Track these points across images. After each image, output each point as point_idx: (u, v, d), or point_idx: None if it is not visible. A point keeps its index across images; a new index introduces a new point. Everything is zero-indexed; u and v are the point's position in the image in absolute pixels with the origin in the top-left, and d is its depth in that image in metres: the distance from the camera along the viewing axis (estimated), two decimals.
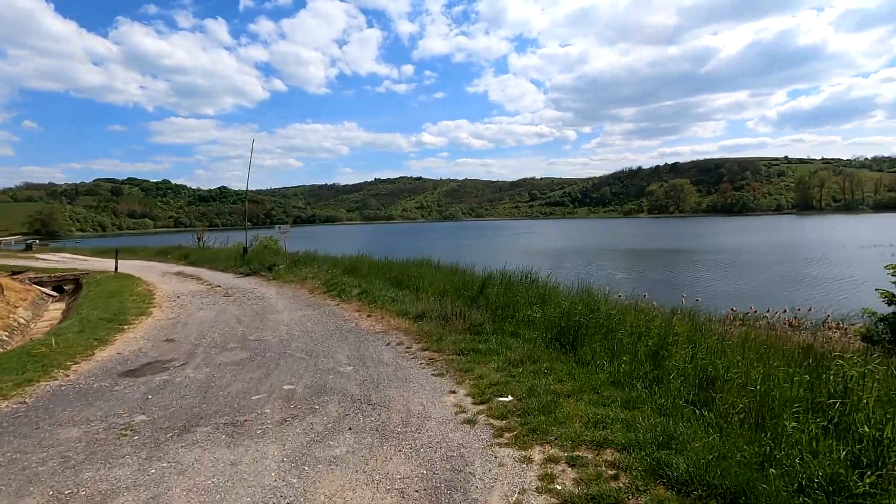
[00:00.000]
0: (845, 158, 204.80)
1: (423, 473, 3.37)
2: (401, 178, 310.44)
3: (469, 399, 4.75)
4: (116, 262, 20.01)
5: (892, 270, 7.27)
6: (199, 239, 34.50)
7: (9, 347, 9.40)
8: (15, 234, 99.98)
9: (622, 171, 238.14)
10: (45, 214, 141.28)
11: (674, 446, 3.45)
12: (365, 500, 3.08)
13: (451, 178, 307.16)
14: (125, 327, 9.17)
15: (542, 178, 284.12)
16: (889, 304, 7.47)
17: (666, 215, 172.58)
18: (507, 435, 3.88)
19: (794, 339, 7.25)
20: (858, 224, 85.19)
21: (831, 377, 4.12)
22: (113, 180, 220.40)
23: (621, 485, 3.12)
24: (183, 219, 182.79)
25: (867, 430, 3.19)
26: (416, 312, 8.80)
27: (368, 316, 9.30)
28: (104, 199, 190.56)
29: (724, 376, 4.67)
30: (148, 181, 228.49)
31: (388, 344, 7.12)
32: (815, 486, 2.88)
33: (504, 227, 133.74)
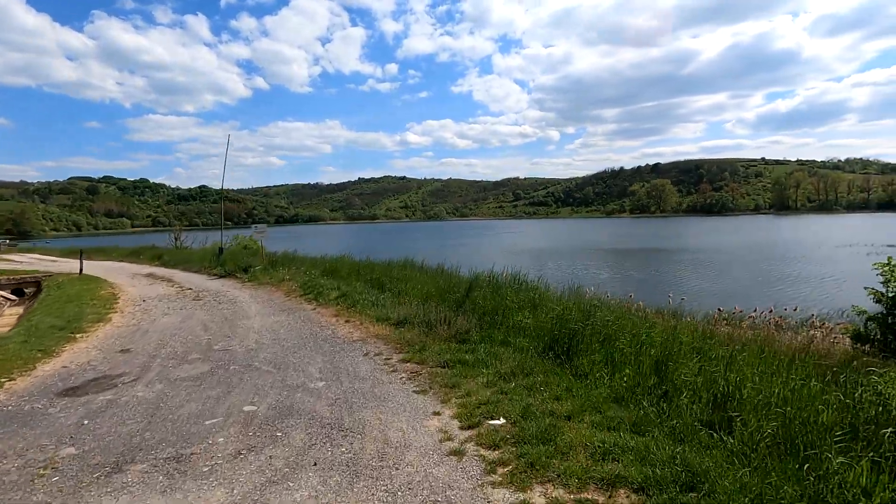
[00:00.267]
0: (819, 160, 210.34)
1: None
2: (385, 177, 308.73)
3: (455, 422, 4.15)
4: (81, 264, 18.91)
5: (880, 269, 6.96)
6: (176, 239, 33.36)
7: None
8: None
9: (605, 172, 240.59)
10: (16, 214, 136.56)
11: (700, 486, 2.90)
12: None
13: (436, 177, 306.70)
14: (78, 336, 8.35)
15: (525, 178, 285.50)
16: (878, 303, 7.22)
17: (647, 215, 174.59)
18: (500, 471, 3.29)
19: (789, 342, 6.83)
20: (833, 224, 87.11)
21: (864, 396, 3.65)
22: (89, 179, 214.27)
23: None
24: (161, 218, 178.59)
25: None
26: (397, 318, 8.18)
27: (346, 322, 8.65)
28: (79, 197, 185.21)
29: (739, 393, 4.17)
30: (125, 180, 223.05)
31: (366, 354, 6.48)
32: None
33: (488, 226, 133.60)
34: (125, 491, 3.16)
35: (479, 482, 3.17)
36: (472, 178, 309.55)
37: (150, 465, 3.51)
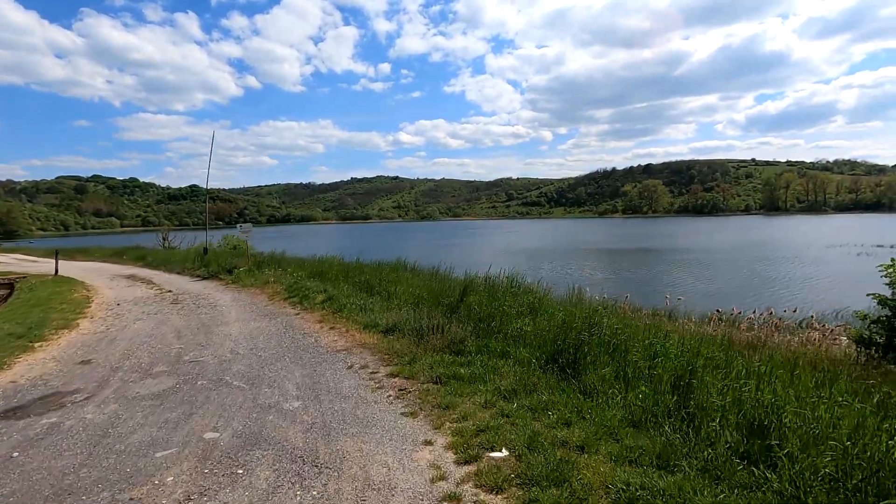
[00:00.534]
0: (809, 161, 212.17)
1: None
2: (378, 177, 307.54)
3: (450, 455, 3.55)
4: (56, 265, 18.08)
5: (885, 271, 6.52)
6: (164, 239, 32.53)
7: None
8: None
9: (597, 172, 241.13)
10: (2, 213, 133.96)
11: None
12: None
13: (429, 177, 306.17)
14: (37, 345, 7.65)
15: (518, 179, 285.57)
16: (882, 307, 6.82)
17: (640, 216, 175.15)
18: None
19: (814, 352, 6.32)
20: (822, 224, 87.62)
21: None
22: (77, 178, 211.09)
23: None
24: (151, 218, 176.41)
25: None
26: (386, 325, 7.56)
27: (331, 328, 8.01)
28: (67, 197, 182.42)
29: (778, 418, 3.61)
30: (114, 179, 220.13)
31: (351, 367, 5.86)
32: None
33: (482, 227, 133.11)
34: None
35: None
36: (465, 179, 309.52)
37: None
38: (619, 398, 4.49)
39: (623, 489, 2.91)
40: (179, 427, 4.23)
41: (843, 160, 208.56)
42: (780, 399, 3.86)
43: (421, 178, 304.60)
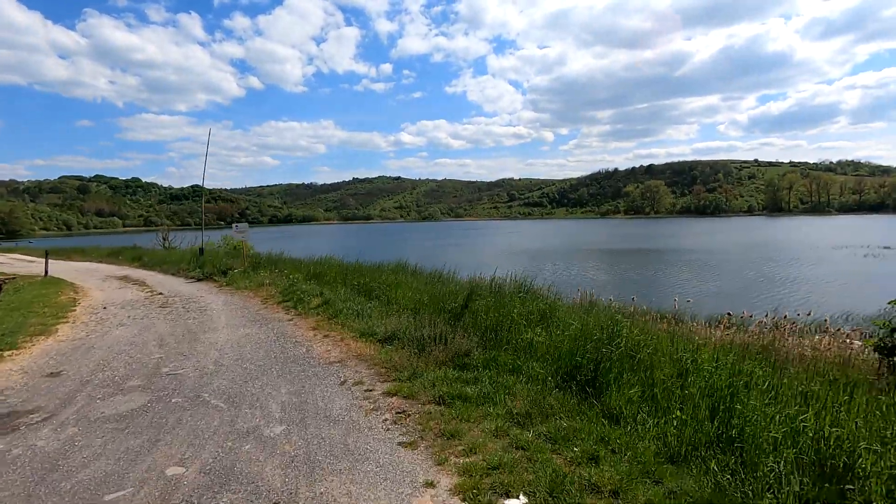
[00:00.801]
0: (812, 162, 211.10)
1: None
2: (379, 177, 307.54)
3: (456, 502, 2.94)
4: (46, 265, 17.53)
5: None
6: (164, 239, 32.07)
7: None
8: None
9: (599, 173, 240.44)
10: (4, 213, 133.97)
11: None
12: None
13: (430, 177, 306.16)
14: (7, 353, 7.06)
15: (520, 179, 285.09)
16: None
17: (642, 216, 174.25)
18: None
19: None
20: (826, 225, 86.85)
21: None
22: (80, 178, 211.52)
23: None
24: (153, 218, 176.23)
25: None
26: (384, 333, 6.96)
27: (325, 336, 7.41)
28: (70, 197, 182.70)
29: (851, 456, 3.00)
30: (117, 179, 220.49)
31: (343, 383, 5.25)
32: None
33: (483, 227, 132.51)
34: None
35: None
36: (466, 179, 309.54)
37: None
38: (649, 424, 3.89)
39: None
40: (140, 459, 3.63)
41: (847, 161, 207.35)
42: (847, 429, 3.25)
43: (422, 178, 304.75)
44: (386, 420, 4.17)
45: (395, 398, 4.67)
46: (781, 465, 3.07)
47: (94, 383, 5.66)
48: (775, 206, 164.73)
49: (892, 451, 2.93)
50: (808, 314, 9.96)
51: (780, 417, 3.62)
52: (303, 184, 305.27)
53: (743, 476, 3.07)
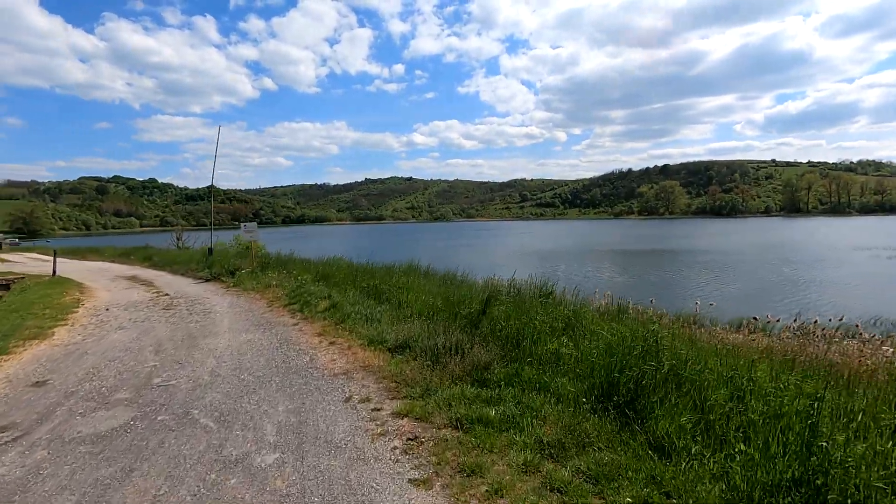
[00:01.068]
0: (831, 161, 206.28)
1: None
2: (391, 178, 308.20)
3: None
4: (54, 265, 17.33)
5: None
6: (178, 239, 32.11)
7: None
8: None
9: (612, 173, 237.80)
10: (26, 213, 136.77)
11: None
12: None
13: (442, 178, 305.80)
14: None
15: (532, 179, 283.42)
16: None
17: (656, 217, 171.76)
18: None
19: None
20: (847, 226, 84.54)
21: None
22: (98, 178, 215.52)
23: None
24: (169, 218, 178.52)
25: None
26: (394, 341, 6.41)
27: (331, 344, 6.88)
28: (89, 197, 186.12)
29: None
30: (134, 179, 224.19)
31: (349, 399, 4.70)
32: None
33: (495, 228, 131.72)
34: None
35: None
36: (478, 179, 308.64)
37: None
38: (706, 459, 3.27)
39: None
40: (108, 495, 3.11)
41: (868, 161, 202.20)
42: None
43: (434, 178, 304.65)
44: (395, 449, 3.60)
45: (405, 420, 4.10)
46: None
47: (78, 395, 5.19)
48: (793, 207, 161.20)
49: None
50: (841, 319, 9.33)
51: (870, 455, 2.99)
52: (315, 184, 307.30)
53: None
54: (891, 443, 3.07)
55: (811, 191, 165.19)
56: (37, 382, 5.70)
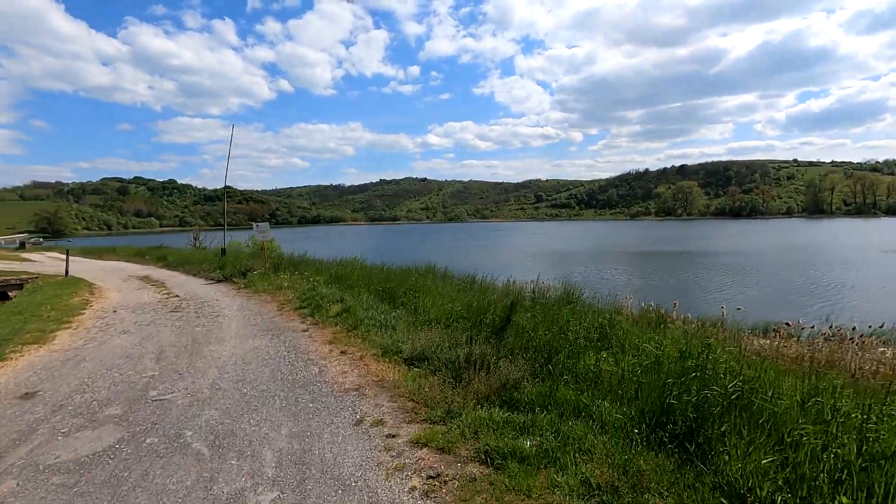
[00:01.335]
0: (856, 161, 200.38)
1: None
2: (406, 178, 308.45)
3: None
4: (67, 265, 17.18)
5: None
6: (195, 238, 32.29)
7: None
8: (22, 232, 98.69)
9: (629, 174, 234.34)
10: (50, 213, 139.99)
11: None
12: None
13: (457, 179, 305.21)
14: None
15: (547, 180, 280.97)
16: None
17: (673, 218, 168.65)
18: None
19: None
20: (873, 228, 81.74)
21: None
22: (119, 179, 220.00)
23: None
24: (188, 218, 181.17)
25: None
26: (411, 351, 5.85)
27: (342, 353, 6.35)
28: (111, 198, 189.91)
29: None
30: (154, 180, 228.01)
31: (360, 422, 4.14)
32: None
33: (510, 228, 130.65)
34: None
35: None
36: (493, 180, 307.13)
37: None
38: None
39: None
40: None
41: (895, 160, 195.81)
42: None
43: (449, 179, 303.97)
44: (414, 490, 3.03)
45: (425, 450, 3.52)
46: None
47: (66, 409, 4.73)
48: (816, 208, 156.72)
49: None
50: (881, 326, 8.56)
51: None
52: (331, 185, 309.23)
53: None
54: None
55: (835, 191, 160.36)
56: (26, 394, 5.27)
